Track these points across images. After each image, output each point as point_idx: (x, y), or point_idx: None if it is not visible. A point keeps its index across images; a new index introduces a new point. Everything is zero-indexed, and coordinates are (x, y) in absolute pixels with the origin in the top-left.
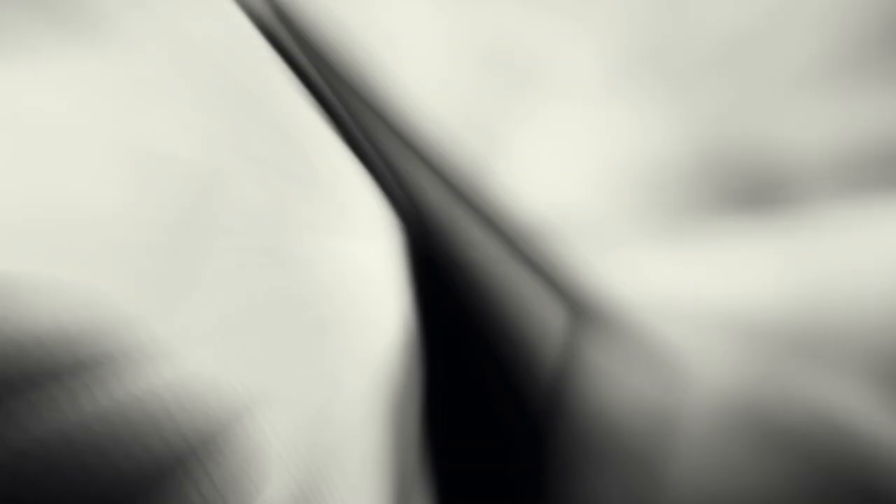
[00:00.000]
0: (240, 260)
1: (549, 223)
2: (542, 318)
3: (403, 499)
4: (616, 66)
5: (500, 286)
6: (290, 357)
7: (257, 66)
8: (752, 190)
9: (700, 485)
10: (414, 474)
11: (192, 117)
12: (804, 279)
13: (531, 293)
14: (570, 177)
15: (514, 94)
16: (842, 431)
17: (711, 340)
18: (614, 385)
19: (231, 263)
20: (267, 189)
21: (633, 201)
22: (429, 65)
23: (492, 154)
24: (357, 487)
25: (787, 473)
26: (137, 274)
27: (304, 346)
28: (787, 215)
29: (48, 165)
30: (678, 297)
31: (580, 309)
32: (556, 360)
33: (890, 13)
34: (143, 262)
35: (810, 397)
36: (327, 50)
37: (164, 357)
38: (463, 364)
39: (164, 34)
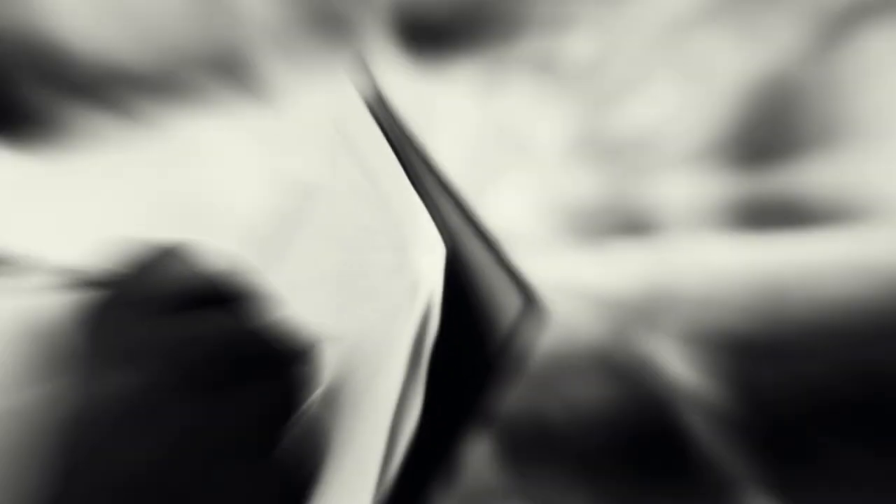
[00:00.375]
0: (328, 246)
1: (512, 238)
2: (504, 299)
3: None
4: (569, 144)
5: (477, 275)
6: (355, 314)
7: (365, 129)
8: (634, 226)
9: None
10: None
11: (317, 155)
12: (652, 274)
13: (498, 283)
14: (526, 210)
15: (504, 159)
16: (656, 374)
17: (588, 311)
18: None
19: (321, 247)
20: (356, 208)
21: (560, 227)
22: (457, 139)
23: (483, 194)
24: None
25: (613, 399)
26: (263, 247)
27: (369, 309)
28: (652, 241)
29: (217, 181)
30: (575, 284)
31: (528, 294)
32: (510, 328)
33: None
34: (267, 242)
35: (642, 349)
36: (402, 122)
37: (276, 302)
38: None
39: (312, 101)
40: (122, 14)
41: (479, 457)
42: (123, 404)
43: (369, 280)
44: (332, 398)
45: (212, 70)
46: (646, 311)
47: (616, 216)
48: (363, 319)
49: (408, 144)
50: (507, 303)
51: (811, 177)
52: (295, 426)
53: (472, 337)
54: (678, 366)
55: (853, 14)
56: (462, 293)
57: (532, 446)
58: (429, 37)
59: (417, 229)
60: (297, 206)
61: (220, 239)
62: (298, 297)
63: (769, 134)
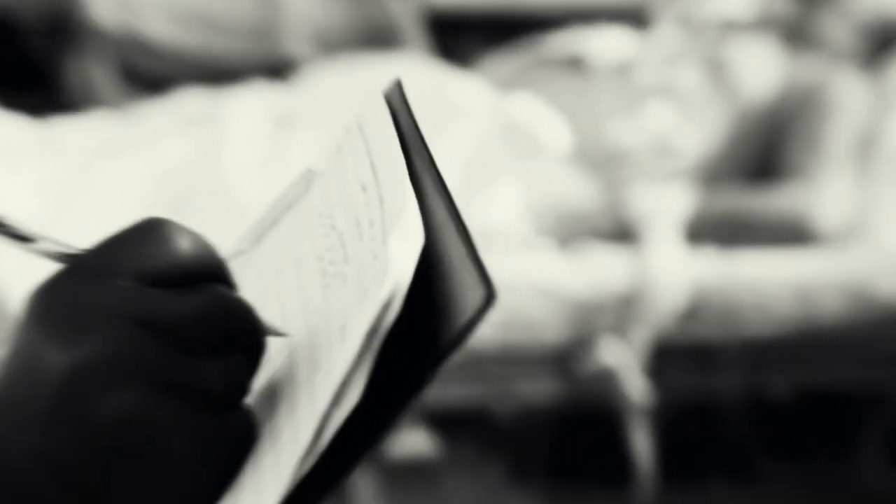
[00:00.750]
0: (314, 229)
1: (499, 235)
2: (466, 294)
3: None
4: (570, 157)
5: (445, 267)
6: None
7: (379, 121)
8: (615, 234)
9: None
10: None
11: (325, 140)
12: (622, 283)
13: (465, 278)
14: (517, 210)
15: (507, 160)
16: (609, 377)
17: (555, 312)
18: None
19: (305, 229)
20: (351, 196)
21: (542, 228)
22: (467, 136)
23: (482, 191)
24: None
25: None
26: (252, 225)
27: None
28: (628, 250)
29: (234, 162)
30: (549, 285)
31: (490, 292)
32: (466, 322)
33: None
34: (257, 221)
35: (600, 353)
36: (415, 119)
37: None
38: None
39: (334, 90)
40: (200, 24)
41: (416, 438)
42: (98, 364)
43: (349, 265)
44: (283, 377)
45: (261, 67)
46: (611, 316)
47: (600, 224)
48: (334, 301)
49: (416, 142)
50: (469, 297)
51: (770, 202)
52: (249, 397)
53: (427, 326)
54: (631, 371)
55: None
56: (427, 284)
57: (472, 431)
58: (459, 39)
59: (403, 221)
60: (292, 187)
61: (223, 214)
62: (271, 278)
63: (742, 164)
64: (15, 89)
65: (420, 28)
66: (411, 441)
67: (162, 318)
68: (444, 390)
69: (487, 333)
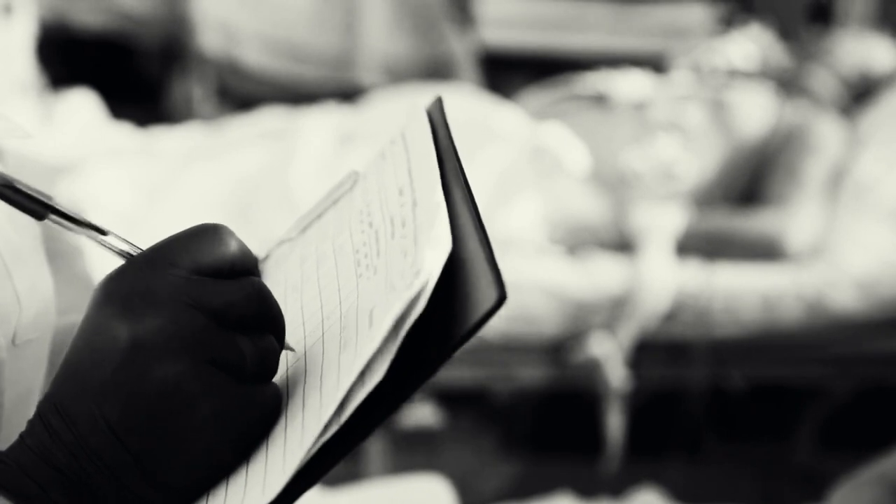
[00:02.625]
0: (352, 224)
1: (517, 242)
2: (481, 294)
3: None
4: (587, 178)
5: (465, 269)
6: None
7: (421, 136)
8: (617, 245)
9: None
10: None
11: (373, 148)
12: (619, 287)
13: (481, 279)
14: (535, 221)
15: (532, 177)
16: (596, 367)
17: (557, 310)
18: None
19: (345, 224)
20: (388, 198)
21: (556, 237)
22: (499, 155)
23: (507, 203)
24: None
25: None
26: (300, 219)
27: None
28: (627, 259)
29: (299, 171)
30: (554, 286)
31: (502, 292)
32: (478, 318)
33: None
34: (304, 215)
35: (591, 346)
36: (452, 137)
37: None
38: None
39: (391, 109)
40: (289, 54)
41: (423, 410)
42: (155, 337)
43: (380, 259)
44: (313, 353)
45: (335, 92)
46: (603, 314)
47: (606, 235)
48: (364, 289)
49: (449, 153)
50: (483, 297)
51: (749, 223)
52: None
53: (444, 318)
54: (615, 361)
55: None
56: (448, 280)
57: (471, 407)
58: (506, 74)
59: (434, 227)
60: (338, 186)
61: (285, 216)
62: (312, 264)
63: (731, 190)
64: (126, 103)
65: (473, 63)
66: (419, 413)
67: (209, 301)
68: (450, 371)
69: (494, 325)
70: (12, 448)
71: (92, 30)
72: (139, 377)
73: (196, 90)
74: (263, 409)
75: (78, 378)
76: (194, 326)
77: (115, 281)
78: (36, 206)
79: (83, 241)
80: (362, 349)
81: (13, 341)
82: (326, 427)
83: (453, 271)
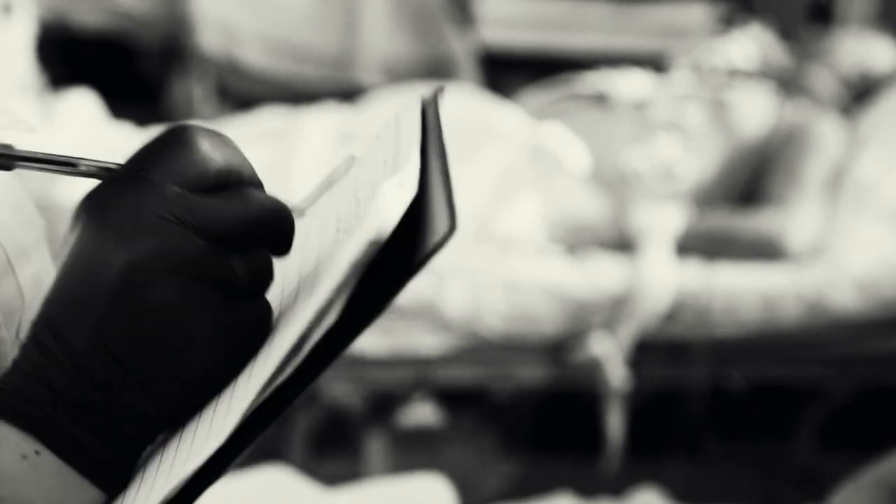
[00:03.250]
0: (342, 197)
1: (518, 242)
2: (437, 226)
3: None
4: (587, 177)
5: (426, 208)
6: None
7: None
8: (617, 244)
9: None
10: None
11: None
12: (618, 287)
13: (439, 214)
14: (536, 220)
15: (532, 176)
16: (595, 366)
17: (557, 309)
18: None
19: (336, 198)
20: (375, 175)
21: (556, 236)
22: (500, 154)
23: (508, 203)
24: None
25: None
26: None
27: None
28: (627, 259)
29: (298, 162)
30: (554, 285)
31: (453, 223)
32: (433, 246)
33: None
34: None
35: (591, 345)
36: (441, 133)
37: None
38: None
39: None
40: (289, 54)
41: (423, 410)
42: (149, 259)
43: (359, 222)
44: (288, 304)
45: (335, 92)
46: (603, 314)
47: (606, 235)
48: (336, 250)
49: (434, 129)
50: (438, 228)
51: (750, 223)
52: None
53: (400, 251)
54: (615, 361)
55: None
56: (409, 221)
57: (471, 406)
58: (506, 74)
59: (402, 172)
60: (335, 170)
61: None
62: (302, 241)
63: (732, 190)
64: (125, 103)
65: (473, 63)
66: (419, 412)
67: (199, 219)
68: (450, 371)
69: (494, 324)
70: (7, 375)
71: (91, 29)
72: (135, 300)
73: (196, 90)
74: (255, 325)
75: (73, 302)
76: (185, 244)
77: (98, 198)
78: (1, 160)
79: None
80: (319, 291)
81: (17, 336)
82: (284, 365)
83: (415, 211)
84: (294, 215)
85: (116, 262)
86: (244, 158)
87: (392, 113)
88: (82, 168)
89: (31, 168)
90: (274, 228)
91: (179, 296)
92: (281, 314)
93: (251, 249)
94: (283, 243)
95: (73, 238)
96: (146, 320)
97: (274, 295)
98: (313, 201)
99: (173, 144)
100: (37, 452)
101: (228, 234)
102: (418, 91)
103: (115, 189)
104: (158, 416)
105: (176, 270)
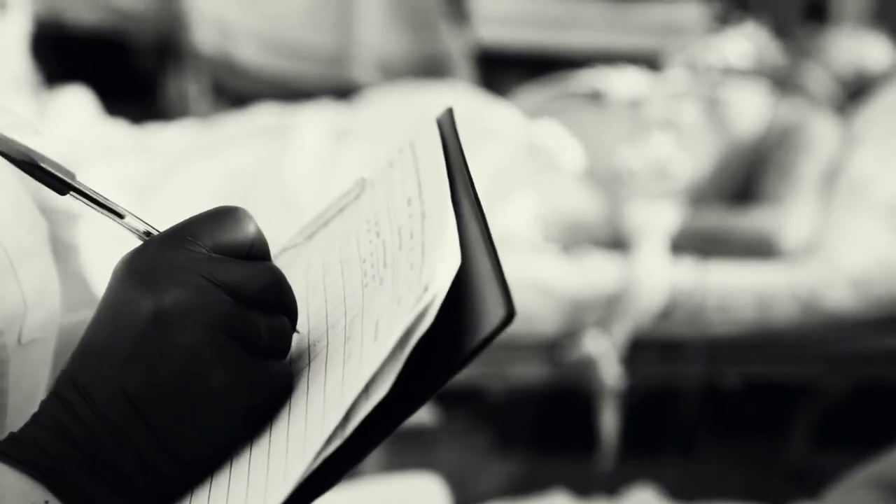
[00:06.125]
0: (359, 234)
1: (513, 240)
2: (489, 309)
3: None
4: (581, 175)
5: (473, 284)
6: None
7: (430, 144)
8: (612, 243)
9: None
10: None
11: (380, 155)
12: (613, 286)
13: (489, 293)
14: (531, 219)
15: (528, 175)
16: (590, 366)
17: (551, 308)
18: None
19: (352, 233)
20: (396, 207)
21: (551, 234)
22: (498, 153)
23: (504, 200)
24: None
25: None
26: (306, 225)
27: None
28: (622, 258)
29: (296, 169)
30: (549, 284)
31: (510, 307)
32: (486, 334)
33: None
34: (310, 221)
35: (585, 344)
36: (461, 147)
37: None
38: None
39: (394, 111)
40: (284, 51)
41: (422, 410)
42: (176, 310)
43: (387, 270)
44: (318, 355)
45: (330, 89)
46: (598, 312)
47: (601, 233)
48: (370, 300)
49: (459, 165)
50: (491, 313)
51: (744, 221)
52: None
53: (450, 333)
54: (609, 359)
55: None
56: (455, 295)
57: (466, 405)
58: (501, 72)
59: (443, 241)
60: (345, 194)
61: (280, 210)
62: (318, 270)
63: (726, 189)
64: (120, 100)
65: (469, 61)
66: None
67: (228, 278)
68: None
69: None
70: (26, 426)
71: (87, 27)
72: (160, 348)
73: (191, 87)
74: (276, 382)
75: (97, 352)
76: (214, 301)
77: (136, 257)
78: (58, 184)
79: (80, 240)
80: (367, 362)
81: (19, 340)
82: (329, 440)
83: (461, 286)
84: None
85: (145, 311)
86: (264, 237)
87: (407, 138)
88: (128, 221)
89: (79, 200)
90: (289, 298)
91: (202, 346)
92: (311, 363)
93: (274, 313)
94: (293, 317)
95: (107, 291)
96: (170, 370)
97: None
98: (323, 224)
99: (221, 216)
100: (46, 503)
101: (253, 294)
102: (413, 95)
103: (154, 248)
104: (172, 472)
105: (202, 322)
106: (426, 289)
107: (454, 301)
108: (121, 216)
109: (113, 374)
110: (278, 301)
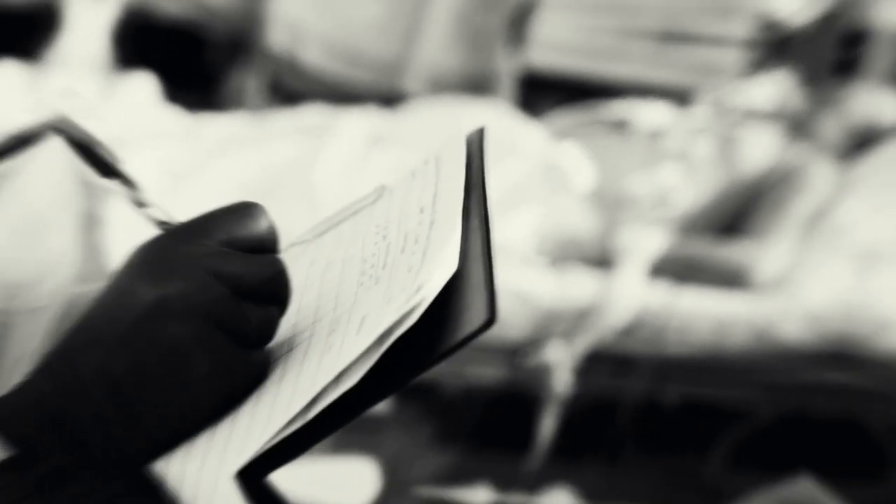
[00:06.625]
0: (367, 235)
1: (506, 251)
2: (472, 315)
3: None
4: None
5: (462, 289)
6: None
7: (454, 158)
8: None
9: None
10: None
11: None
12: (586, 300)
13: (475, 300)
14: (527, 233)
15: (537, 192)
16: (544, 372)
17: (522, 315)
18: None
19: (361, 234)
20: (408, 215)
21: (544, 248)
22: (514, 168)
23: (508, 213)
24: None
25: None
26: (318, 223)
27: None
28: (603, 275)
29: (326, 170)
30: (526, 293)
31: (493, 315)
32: (464, 337)
33: None
34: (324, 220)
35: (544, 352)
36: (484, 163)
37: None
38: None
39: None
40: (346, 58)
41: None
42: (175, 299)
43: (385, 271)
44: (300, 345)
45: (380, 96)
46: (566, 324)
47: (592, 252)
48: (362, 298)
49: (478, 182)
50: (473, 317)
51: (722, 252)
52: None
53: (431, 334)
54: (564, 368)
55: None
56: (446, 302)
57: (418, 398)
58: (542, 93)
59: (445, 248)
60: (362, 198)
61: (302, 207)
62: (320, 268)
63: (719, 221)
64: (186, 89)
65: (514, 82)
66: None
67: (231, 270)
68: None
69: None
70: (10, 392)
71: (170, 17)
72: (152, 334)
73: (250, 83)
74: (249, 375)
75: (93, 331)
76: (212, 295)
77: (147, 247)
78: (103, 168)
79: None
80: (344, 354)
81: (25, 307)
82: (291, 422)
83: (452, 291)
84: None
85: (144, 300)
86: (277, 234)
87: (433, 151)
88: (150, 211)
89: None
90: (286, 291)
91: (192, 338)
92: (291, 352)
93: (266, 304)
94: (284, 306)
95: (116, 274)
96: (158, 356)
97: (288, 320)
98: (335, 225)
99: (237, 211)
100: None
101: (253, 287)
102: (453, 108)
103: (167, 240)
104: (139, 455)
105: (196, 312)
106: (418, 290)
107: (442, 303)
108: (144, 206)
109: (104, 354)
110: (274, 294)
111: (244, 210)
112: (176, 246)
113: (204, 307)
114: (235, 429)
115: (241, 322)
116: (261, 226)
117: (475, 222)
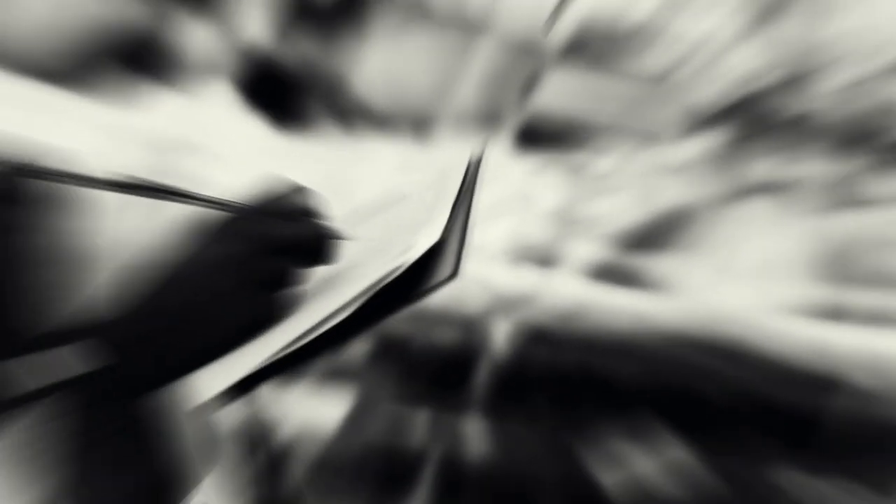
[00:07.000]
0: (389, 221)
1: (482, 247)
2: (442, 270)
3: None
4: (554, 210)
5: (439, 254)
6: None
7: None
8: (549, 261)
9: None
10: None
11: (421, 180)
12: (534, 291)
13: (446, 261)
14: (502, 236)
15: (513, 206)
16: (486, 340)
17: (480, 297)
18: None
19: (387, 220)
20: (417, 211)
21: (510, 252)
22: (499, 191)
23: (489, 220)
24: None
25: None
26: (361, 215)
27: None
28: (550, 273)
29: (364, 177)
30: (488, 279)
31: (456, 272)
32: (432, 285)
33: None
34: (365, 213)
35: (491, 325)
36: (476, 183)
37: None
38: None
39: (448, 150)
40: (391, 77)
41: (357, 350)
42: (218, 261)
43: (392, 243)
44: (321, 286)
45: (408, 124)
46: (512, 307)
47: (545, 254)
48: (366, 261)
49: (470, 184)
50: (442, 272)
51: (663, 264)
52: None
53: (405, 280)
54: (501, 340)
55: None
56: (425, 262)
57: (388, 353)
58: (533, 139)
59: (433, 227)
60: (390, 201)
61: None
62: (355, 231)
63: (656, 235)
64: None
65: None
66: None
67: (276, 233)
68: None
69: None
70: (106, 315)
71: None
72: (196, 291)
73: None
74: (266, 316)
75: (156, 271)
76: (249, 256)
77: (218, 219)
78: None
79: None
80: (335, 299)
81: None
82: (293, 342)
83: (434, 255)
84: (342, 238)
85: (200, 259)
86: (319, 204)
87: (444, 167)
88: (213, 196)
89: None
90: (315, 249)
91: (226, 289)
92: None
93: (296, 261)
94: (322, 260)
95: (193, 235)
96: (195, 306)
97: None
98: (362, 220)
99: (288, 190)
100: None
101: (291, 246)
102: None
103: (233, 218)
104: (154, 379)
105: (234, 272)
106: (404, 253)
107: (423, 264)
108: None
109: (152, 292)
110: (307, 251)
111: (293, 188)
112: (228, 218)
113: (241, 268)
114: (254, 347)
115: (271, 275)
116: (297, 199)
117: (461, 213)
